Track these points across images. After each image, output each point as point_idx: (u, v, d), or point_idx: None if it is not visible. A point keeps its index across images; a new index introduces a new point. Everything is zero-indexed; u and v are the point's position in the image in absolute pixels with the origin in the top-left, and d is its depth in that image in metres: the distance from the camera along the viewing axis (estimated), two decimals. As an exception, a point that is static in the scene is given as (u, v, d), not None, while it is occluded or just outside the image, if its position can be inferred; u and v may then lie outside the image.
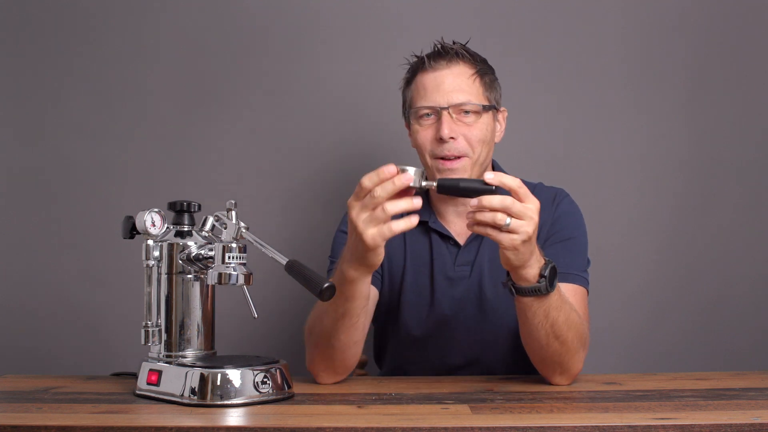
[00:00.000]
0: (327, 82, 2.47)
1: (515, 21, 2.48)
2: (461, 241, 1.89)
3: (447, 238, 1.89)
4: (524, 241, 1.43)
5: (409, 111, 1.87)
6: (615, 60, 2.47)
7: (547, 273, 1.50)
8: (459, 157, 1.80)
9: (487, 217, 1.42)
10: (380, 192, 1.40)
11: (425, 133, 1.82)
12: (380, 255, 1.48)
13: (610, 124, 2.47)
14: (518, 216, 1.41)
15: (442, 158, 1.80)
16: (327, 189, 2.42)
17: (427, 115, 1.82)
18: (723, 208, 2.45)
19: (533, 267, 1.50)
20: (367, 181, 1.42)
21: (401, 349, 1.96)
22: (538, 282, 1.51)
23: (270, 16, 2.49)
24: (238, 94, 2.50)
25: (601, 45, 2.47)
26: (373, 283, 1.82)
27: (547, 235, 1.83)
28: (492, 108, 1.86)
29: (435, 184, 1.45)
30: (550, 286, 1.52)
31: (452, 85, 1.81)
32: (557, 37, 2.47)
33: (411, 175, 1.41)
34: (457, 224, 1.91)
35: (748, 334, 2.42)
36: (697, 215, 2.45)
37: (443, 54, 1.84)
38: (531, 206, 1.43)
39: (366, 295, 1.59)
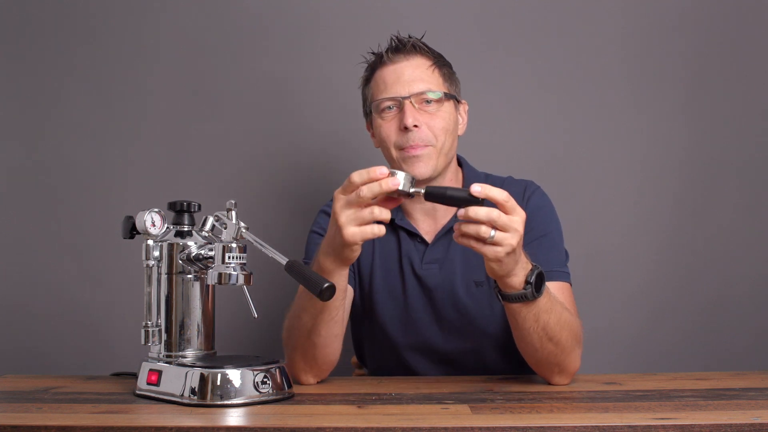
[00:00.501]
0: (327, 82, 2.47)
1: (515, 21, 2.47)
2: (429, 239, 1.88)
3: (414, 235, 1.89)
4: (508, 253, 1.43)
5: (371, 106, 1.86)
6: (615, 60, 2.47)
7: (532, 279, 1.50)
8: (424, 146, 1.79)
9: (470, 229, 1.42)
10: (366, 192, 1.42)
11: (388, 126, 1.82)
12: (356, 251, 1.50)
13: (610, 124, 2.46)
14: (503, 228, 1.41)
15: (408, 148, 1.80)
16: (327, 189, 2.38)
17: (389, 108, 1.82)
18: (723, 208, 2.45)
19: (518, 275, 1.50)
20: (357, 176, 1.44)
21: (380, 349, 1.96)
22: (524, 289, 1.51)
23: (270, 16, 2.49)
24: (238, 94, 2.49)
25: (601, 45, 2.47)
26: (348, 281, 1.83)
27: None
28: (453, 98, 1.85)
29: (423, 191, 1.47)
30: (537, 292, 1.51)
31: (412, 75, 1.81)
32: (557, 37, 2.47)
33: (398, 180, 1.43)
34: (424, 222, 1.90)
35: (748, 334, 2.42)
36: (696, 215, 2.45)
37: (401, 48, 1.84)
38: (517, 218, 1.43)
39: (343, 287, 1.60)
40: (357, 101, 2.39)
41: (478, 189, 1.41)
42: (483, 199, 1.42)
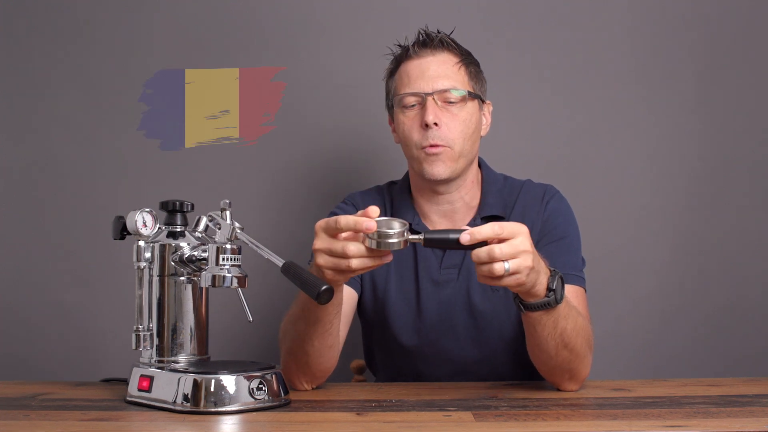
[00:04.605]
0: (325, 80, 2.45)
1: (521, 15, 2.46)
2: None
3: None
4: (528, 275, 1.41)
5: (393, 100, 1.85)
6: (623, 55, 2.45)
7: (555, 286, 1.48)
8: (443, 146, 1.77)
9: (484, 271, 1.40)
10: (352, 249, 1.40)
11: (410, 123, 1.80)
12: (341, 284, 1.52)
13: (618, 121, 2.45)
14: (510, 257, 1.39)
15: (428, 146, 1.77)
16: (324, 188, 2.41)
17: (411, 105, 1.80)
18: (735, 208, 2.43)
19: (541, 283, 1.47)
20: (344, 222, 1.40)
21: (391, 357, 1.94)
22: (547, 296, 1.49)
23: (266, 10, 2.47)
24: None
25: (608, 39, 2.45)
26: (352, 284, 1.82)
27: (539, 235, 1.82)
28: (477, 97, 1.83)
29: (422, 237, 1.44)
30: (560, 298, 1.49)
31: (437, 71, 1.79)
32: (564, 32, 2.45)
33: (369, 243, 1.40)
34: (442, 225, 1.88)
35: (761, 338, 2.41)
36: (708, 215, 2.43)
37: (427, 42, 1.82)
38: (519, 239, 1.40)
39: (338, 302, 1.59)
40: (356, 98, 2.40)
41: (467, 239, 1.39)
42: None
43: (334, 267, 1.43)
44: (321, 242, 1.43)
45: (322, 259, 1.43)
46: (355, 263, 1.41)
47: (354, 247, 1.40)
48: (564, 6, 2.45)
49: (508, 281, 1.40)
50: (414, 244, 1.86)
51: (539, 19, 2.45)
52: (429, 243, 1.43)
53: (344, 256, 1.41)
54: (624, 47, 2.45)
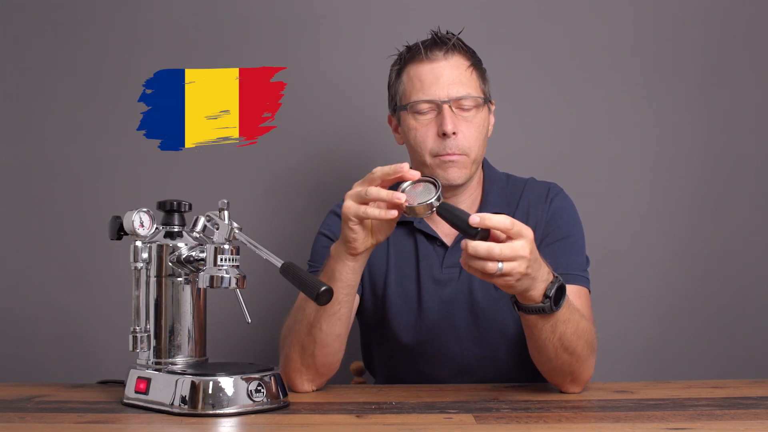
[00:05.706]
0: (325, 80, 2.44)
1: (522, 12, 2.45)
2: (448, 241, 1.85)
3: (433, 239, 1.85)
4: (518, 280, 1.40)
5: (403, 105, 1.81)
6: (626, 54, 2.43)
7: (551, 293, 1.45)
8: (459, 154, 1.76)
9: (477, 265, 1.38)
10: (378, 172, 1.47)
11: (425, 130, 1.77)
12: (355, 234, 1.50)
13: (620, 119, 2.43)
14: (508, 259, 1.36)
15: (445, 155, 1.76)
16: (323, 189, 2.39)
17: (425, 111, 1.77)
18: (739, 207, 2.42)
19: (537, 289, 1.45)
20: (379, 170, 1.47)
21: (391, 358, 1.92)
22: (542, 302, 1.46)
23: (266, 11, 2.46)
24: (231, 90, 2.46)
25: (611, 38, 2.44)
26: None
27: (543, 234, 1.80)
28: (488, 101, 1.83)
29: (437, 204, 1.46)
30: (555, 305, 1.47)
31: (451, 77, 1.76)
32: (565, 29, 2.44)
33: (402, 196, 1.44)
34: (443, 224, 1.85)
35: (766, 339, 2.39)
36: (712, 214, 2.42)
37: (439, 44, 1.78)
38: (521, 242, 1.37)
39: (349, 283, 1.58)
40: (357, 98, 2.38)
41: (476, 220, 1.37)
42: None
43: (356, 194, 1.47)
44: (353, 190, 1.48)
45: (348, 201, 1.47)
46: (370, 189, 1.45)
47: (379, 171, 1.46)
48: (566, 5, 2.44)
49: (496, 281, 1.39)
50: (415, 241, 1.85)
51: (542, 17, 2.44)
52: (440, 212, 1.45)
53: (365, 199, 1.45)
54: (627, 46, 2.43)
